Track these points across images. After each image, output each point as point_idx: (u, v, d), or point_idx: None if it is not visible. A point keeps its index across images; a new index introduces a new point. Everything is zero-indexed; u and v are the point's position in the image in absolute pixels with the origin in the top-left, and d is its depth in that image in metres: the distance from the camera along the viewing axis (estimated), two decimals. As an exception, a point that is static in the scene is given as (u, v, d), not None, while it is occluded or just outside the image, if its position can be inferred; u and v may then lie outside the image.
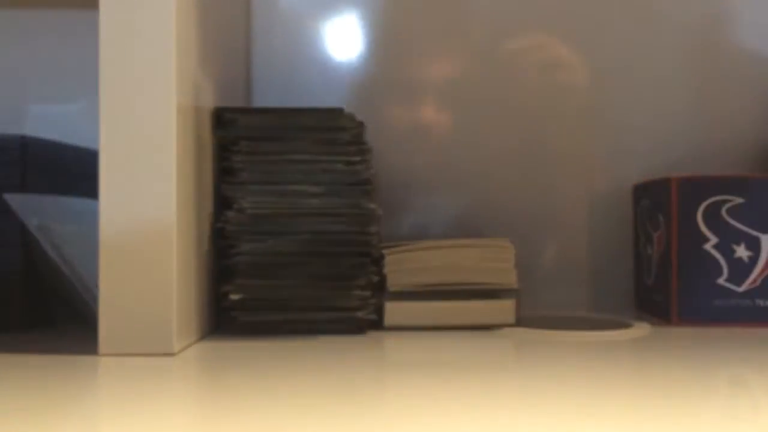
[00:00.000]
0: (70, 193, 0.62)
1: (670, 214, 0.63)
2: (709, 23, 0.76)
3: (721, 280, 0.62)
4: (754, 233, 0.62)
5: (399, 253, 0.59)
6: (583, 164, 0.76)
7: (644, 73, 0.76)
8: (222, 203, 0.58)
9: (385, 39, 0.76)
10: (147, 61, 0.47)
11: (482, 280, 0.59)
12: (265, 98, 0.76)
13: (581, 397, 0.36)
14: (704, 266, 0.62)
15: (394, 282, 0.59)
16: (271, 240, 0.56)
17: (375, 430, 0.30)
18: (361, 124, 0.58)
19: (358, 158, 0.57)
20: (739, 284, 0.62)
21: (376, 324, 0.59)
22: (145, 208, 0.47)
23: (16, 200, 0.55)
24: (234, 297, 0.55)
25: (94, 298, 0.53)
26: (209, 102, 0.57)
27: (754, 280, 0.62)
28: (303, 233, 0.56)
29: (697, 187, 0.62)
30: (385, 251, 0.60)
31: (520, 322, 0.60)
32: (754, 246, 0.62)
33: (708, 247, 0.62)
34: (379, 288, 0.59)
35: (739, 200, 0.62)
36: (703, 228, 0.62)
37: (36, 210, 0.55)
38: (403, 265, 0.59)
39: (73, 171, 0.64)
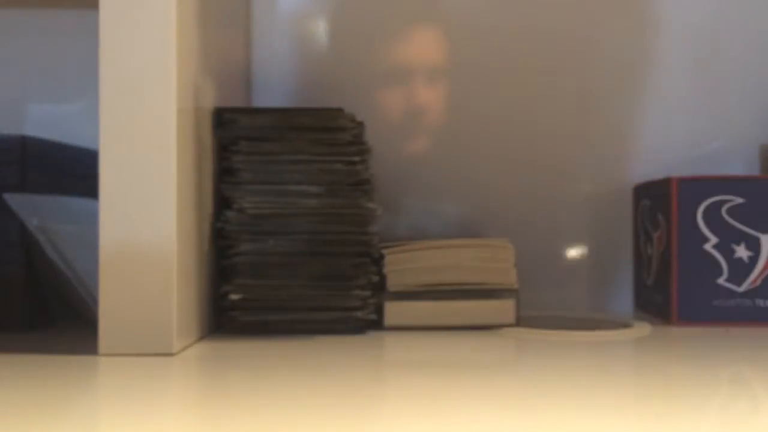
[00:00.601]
0: (70, 193, 0.62)
1: (670, 214, 0.63)
2: (709, 23, 0.76)
3: (721, 280, 0.62)
4: (754, 233, 0.62)
5: (399, 253, 0.59)
6: (583, 164, 0.76)
7: (644, 73, 0.76)
8: (222, 203, 0.58)
9: (386, 39, 0.76)
10: (147, 61, 0.47)
11: (482, 280, 0.59)
12: (265, 98, 0.76)
13: (581, 397, 0.36)
14: (704, 266, 0.62)
15: (394, 282, 0.59)
16: (271, 240, 0.56)
17: (375, 430, 0.30)
18: (360, 124, 0.58)
19: (357, 158, 0.57)
20: (739, 284, 0.62)
21: (376, 324, 0.59)
22: (145, 208, 0.47)
23: (16, 200, 0.55)
24: (234, 297, 0.55)
25: (94, 298, 0.53)
26: (209, 102, 0.57)
27: (754, 280, 0.62)
28: (303, 233, 0.56)
29: (697, 187, 0.62)
30: (384, 251, 0.60)
31: (520, 322, 0.60)
32: (754, 246, 0.62)
33: (708, 247, 0.62)
34: (379, 288, 0.59)
35: (739, 200, 0.62)
36: (703, 228, 0.62)
37: (36, 210, 0.55)
38: (402, 265, 0.59)
39: (73, 171, 0.64)
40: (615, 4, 0.76)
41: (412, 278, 0.59)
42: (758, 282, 0.62)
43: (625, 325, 0.61)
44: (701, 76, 0.76)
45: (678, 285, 0.62)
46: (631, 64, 0.76)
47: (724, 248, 0.62)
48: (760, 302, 0.62)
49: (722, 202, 0.62)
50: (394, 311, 0.59)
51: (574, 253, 0.76)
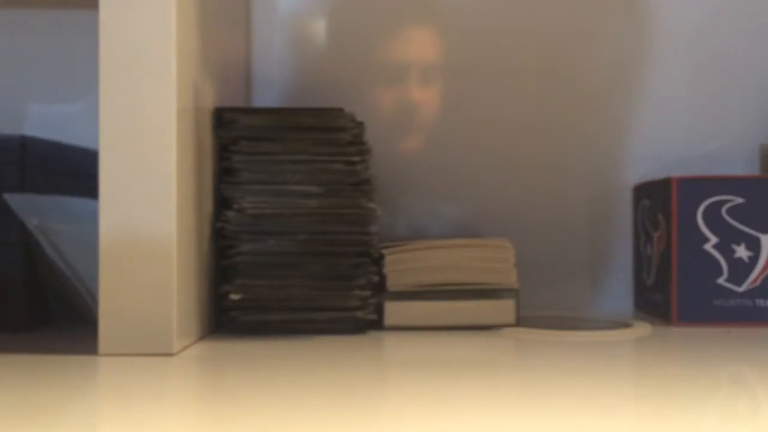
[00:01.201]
0: (70, 193, 0.62)
1: (670, 214, 0.63)
2: (709, 23, 0.76)
3: (721, 280, 0.62)
4: (754, 233, 0.62)
5: (399, 253, 0.59)
6: (583, 164, 0.76)
7: (644, 73, 0.76)
8: (222, 203, 0.58)
9: (386, 38, 0.76)
10: (147, 61, 0.47)
11: (482, 280, 0.59)
12: (265, 98, 0.76)
13: (581, 397, 0.36)
14: (704, 266, 0.62)
15: (394, 282, 0.59)
16: (271, 240, 0.56)
17: (375, 430, 0.30)
18: (360, 124, 0.58)
19: (357, 158, 0.57)
20: (739, 284, 0.62)
21: (376, 324, 0.59)
22: (145, 208, 0.47)
23: (16, 200, 0.55)
24: (234, 297, 0.55)
25: (94, 298, 0.53)
26: (209, 102, 0.57)
27: (754, 280, 0.62)
28: (303, 233, 0.56)
29: (697, 187, 0.62)
30: (384, 251, 0.60)
31: (520, 322, 0.60)
32: (754, 246, 0.62)
33: (708, 247, 0.62)
34: (379, 288, 0.59)
35: (739, 200, 0.62)
36: (703, 228, 0.62)
37: (36, 210, 0.55)
38: (402, 265, 0.59)
39: (73, 171, 0.64)
40: (615, 4, 0.76)
41: (411, 278, 0.59)
42: (758, 282, 0.62)
43: (625, 325, 0.61)
44: (701, 75, 0.76)
45: (678, 285, 0.62)
46: (631, 64, 0.76)
47: (724, 248, 0.62)
48: (760, 302, 0.62)
49: (722, 202, 0.62)
50: (394, 311, 0.59)
51: (573, 253, 0.76)
